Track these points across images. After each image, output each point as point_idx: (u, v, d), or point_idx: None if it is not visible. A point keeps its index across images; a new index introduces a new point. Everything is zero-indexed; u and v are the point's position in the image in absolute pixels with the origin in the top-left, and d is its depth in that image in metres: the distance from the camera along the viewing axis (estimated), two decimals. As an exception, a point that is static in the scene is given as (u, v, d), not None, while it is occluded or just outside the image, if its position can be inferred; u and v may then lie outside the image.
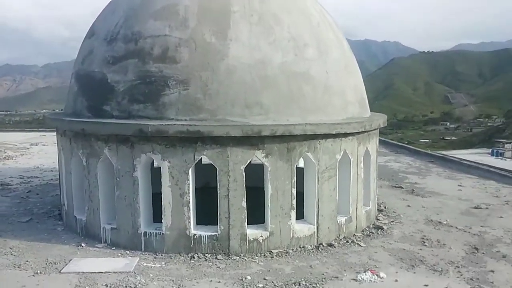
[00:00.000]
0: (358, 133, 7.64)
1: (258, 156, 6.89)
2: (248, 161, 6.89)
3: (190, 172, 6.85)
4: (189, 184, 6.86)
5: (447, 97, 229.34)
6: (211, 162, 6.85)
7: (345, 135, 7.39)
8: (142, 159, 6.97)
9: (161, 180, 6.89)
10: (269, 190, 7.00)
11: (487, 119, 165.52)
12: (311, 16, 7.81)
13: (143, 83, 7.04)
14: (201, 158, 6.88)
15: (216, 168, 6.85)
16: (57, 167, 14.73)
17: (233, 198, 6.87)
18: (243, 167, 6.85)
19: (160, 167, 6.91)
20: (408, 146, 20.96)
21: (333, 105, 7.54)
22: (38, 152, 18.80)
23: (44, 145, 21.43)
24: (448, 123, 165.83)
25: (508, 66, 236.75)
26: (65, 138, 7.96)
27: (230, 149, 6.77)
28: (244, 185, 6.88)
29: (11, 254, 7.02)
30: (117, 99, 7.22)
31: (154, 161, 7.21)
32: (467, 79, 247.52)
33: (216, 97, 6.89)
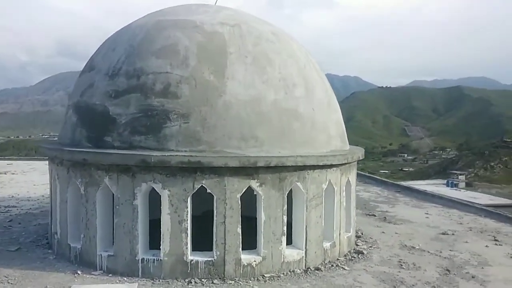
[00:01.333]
0: (341, 164, 8.37)
1: (252, 185, 7.43)
2: (244, 190, 7.41)
3: (189, 201, 7.27)
4: (187, 211, 7.26)
5: (404, 130, 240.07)
6: (209, 190, 7.31)
7: (330, 166, 8.10)
8: (143, 187, 7.33)
9: (161, 208, 7.25)
10: (262, 217, 7.51)
11: (441, 152, 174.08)
12: (298, 58, 8.64)
13: (145, 116, 7.50)
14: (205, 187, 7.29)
15: (213, 196, 7.31)
16: (32, 196, 14.71)
17: (229, 224, 7.32)
18: (239, 196, 7.35)
19: (159, 195, 7.29)
20: (375, 176, 22.09)
21: (318, 139, 8.27)
22: (9, 181, 18.39)
23: (13, 173, 20.95)
24: (406, 155, 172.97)
25: (460, 102, 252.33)
26: (62, 167, 8.18)
27: (227, 179, 7.28)
28: (240, 213, 7.36)
29: (8, 282, 7.06)
30: (118, 130, 7.61)
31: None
32: (423, 113, 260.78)
33: (214, 130, 7.44)
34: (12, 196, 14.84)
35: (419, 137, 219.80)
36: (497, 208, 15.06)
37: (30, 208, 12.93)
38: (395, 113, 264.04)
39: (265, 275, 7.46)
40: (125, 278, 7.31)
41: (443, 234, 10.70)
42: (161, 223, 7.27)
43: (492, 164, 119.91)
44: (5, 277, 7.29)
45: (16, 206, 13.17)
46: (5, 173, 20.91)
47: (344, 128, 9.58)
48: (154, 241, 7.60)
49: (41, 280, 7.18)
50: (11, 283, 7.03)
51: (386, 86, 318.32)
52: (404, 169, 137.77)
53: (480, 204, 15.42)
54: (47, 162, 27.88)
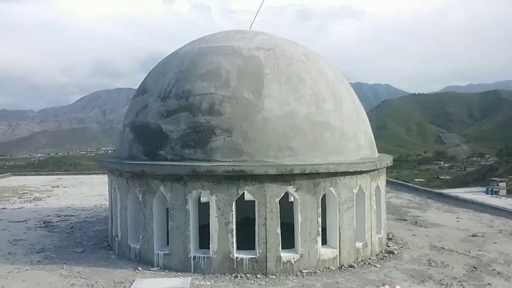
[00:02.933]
0: (371, 171, 9.15)
1: (290, 191, 8.34)
2: (282, 195, 8.32)
3: (234, 205, 8.26)
4: (232, 214, 8.25)
5: (439, 137, 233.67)
6: (251, 196, 8.27)
7: (360, 172, 8.89)
8: (193, 194, 8.39)
9: (209, 211, 8.27)
10: (299, 219, 8.39)
11: (480, 158, 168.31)
12: (327, 75, 9.54)
13: (194, 131, 8.59)
14: (243, 194, 8.28)
15: (254, 202, 8.26)
16: (86, 207, 16.12)
17: (269, 226, 8.24)
18: (277, 200, 8.27)
19: (208, 202, 8.32)
20: (407, 183, 22.44)
21: (348, 147, 9.09)
22: (63, 194, 20.06)
23: (65, 187, 22.70)
24: (442, 163, 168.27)
25: (496, 106, 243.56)
26: (122, 178, 9.37)
27: (267, 185, 8.22)
28: (279, 215, 8.27)
29: (81, 277, 8.24)
30: (171, 145, 8.73)
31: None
32: (458, 119, 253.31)
33: (254, 142, 8.42)
34: (68, 207, 16.36)
35: (455, 144, 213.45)
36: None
37: (87, 217, 14.31)
38: (429, 120, 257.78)
39: (303, 271, 8.30)
40: (180, 273, 8.34)
41: (473, 236, 11.17)
42: (210, 225, 8.27)
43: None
44: (77, 273, 8.49)
45: (73, 215, 14.60)
46: (57, 187, 22.72)
47: (373, 137, 10.34)
48: (201, 243, 8.62)
49: (108, 275, 8.31)
50: (84, 278, 8.20)
51: (419, 93, 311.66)
52: (441, 177, 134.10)
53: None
54: (92, 176, 29.67)
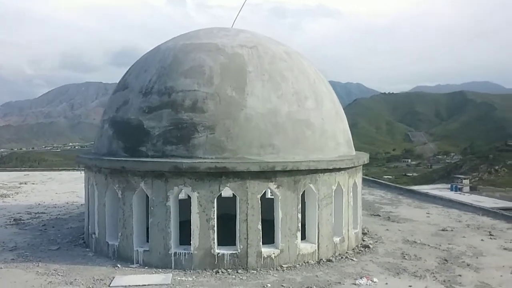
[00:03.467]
0: (349, 168, 9.40)
1: (271, 187, 8.47)
2: (263, 191, 8.44)
3: (215, 201, 8.31)
4: (214, 211, 8.30)
5: (407, 135, 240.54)
6: (232, 192, 8.35)
7: (339, 169, 9.12)
8: (175, 191, 8.38)
9: (191, 208, 8.29)
10: (279, 215, 8.53)
11: (445, 156, 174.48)
12: (308, 74, 9.72)
13: (176, 128, 8.57)
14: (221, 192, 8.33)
15: (230, 199, 8.33)
16: (57, 204, 15.73)
17: (251, 222, 8.34)
18: (259, 196, 8.38)
19: (185, 199, 8.33)
20: (379, 180, 23.06)
21: (328, 145, 9.31)
22: (31, 191, 19.48)
23: (33, 183, 22.05)
24: (410, 160, 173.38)
25: (463, 107, 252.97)
26: (101, 175, 9.24)
27: (249, 182, 8.31)
28: (260, 211, 8.38)
29: (58, 275, 8.09)
30: (152, 141, 8.68)
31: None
32: (426, 118, 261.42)
33: (237, 139, 8.50)
34: (39, 204, 15.92)
35: (423, 142, 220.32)
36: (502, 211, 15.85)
37: (59, 214, 13.99)
38: (398, 119, 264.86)
39: (283, 266, 8.46)
40: (160, 270, 8.32)
41: (443, 230, 11.67)
42: (191, 221, 8.29)
43: (496, 167, 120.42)
44: (54, 270, 8.33)
45: (45, 212, 14.23)
46: (25, 183, 22.03)
47: (350, 136, 10.61)
48: (181, 239, 8.63)
49: (86, 273, 8.20)
50: (61, 275, 8.06)
51: (389, 92, 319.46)
52: (408, 174, 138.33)
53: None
54: (62, 172, 28.95)
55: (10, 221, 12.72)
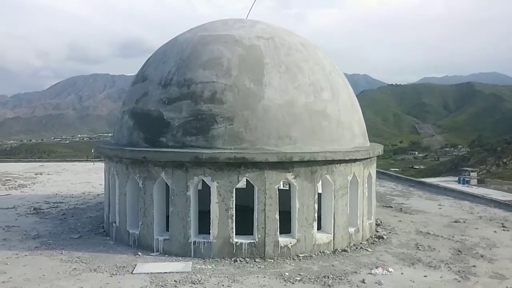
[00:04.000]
0: (364, 159, 9.52)
1: (288, 178, 8.62)
2: (281, 182, 8.60)
3: (234, 191, 8.49)
4: (233, 200, 8.48)
5: (415, 127, 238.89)
6: (251, 182, 8.51)
7: (355, 160, 9.25)
8: (194, 180, 8.57)
9: (210, 197, 8.48)
10: (296, 205, 8.69)
11: (453, 149, 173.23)
12: (324, 66, 9.81)
13: (195, 119, 8.73)
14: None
15: (244, 190, 8.48)
16: (74, 194, 16.03)
17: (268, 211, 8.52)
18: (276, 187, 8.54)
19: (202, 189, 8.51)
20: (389, 172, 23.12)
21: (344, 136, 9.43)
22: (47, 181, 19.85)
23: (48, 174, 22.42)
24: (417, 152, 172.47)
25: (471, 98, 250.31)
26: (122, 165, 9.45)
27: (267, 172, 8.47)
28: (277, 201, 8.55)
29: (82, 262, 8.35)
30: (172, 132, 8.86)
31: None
32: (433, 110, 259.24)
33: (255, 130, 8.64)
34: (56, 194, 16.25)
35: (430, 134, 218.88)
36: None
37: (76, 204, 14.29)
38: (405, 110, 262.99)
39: (299, 255, 8.65)
40: (180, 258, 8.54)
41: (455, 222, 11.78)
42: (211, 210, 8.49)
43: (505, 160, 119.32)
44: (78, 258, 8.59)
45: (63, 202, 14.54)
46: (41, 174, 22.41)
47: (365, 127, 10.71)
48: (200, 229, 8.83)
49: (109, 260, 8.44)
50: (85, 263, 8.31)
51: (396, 84, 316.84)
52: (415, 167, 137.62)
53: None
54: (74, 163, 29.29)
55: (30, 210, 13.04)
